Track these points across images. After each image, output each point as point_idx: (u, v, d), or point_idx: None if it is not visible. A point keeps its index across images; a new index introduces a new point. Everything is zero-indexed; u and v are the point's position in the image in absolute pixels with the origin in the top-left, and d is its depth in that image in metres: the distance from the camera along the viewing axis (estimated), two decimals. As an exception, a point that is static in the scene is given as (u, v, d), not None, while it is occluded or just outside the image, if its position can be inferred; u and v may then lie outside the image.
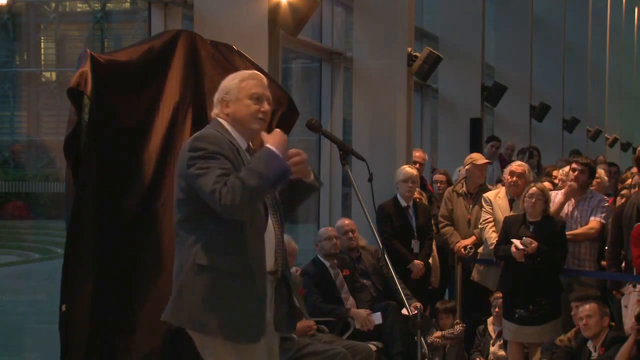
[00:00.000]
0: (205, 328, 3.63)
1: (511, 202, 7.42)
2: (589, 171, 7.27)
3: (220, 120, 3.77)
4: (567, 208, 7.22)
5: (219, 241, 3.62)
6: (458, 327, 7.31)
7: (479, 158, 8.12)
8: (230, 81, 3.78)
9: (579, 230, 7.07)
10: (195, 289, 3.61)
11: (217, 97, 3.80)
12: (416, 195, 7.72)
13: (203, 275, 3.61)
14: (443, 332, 7.30)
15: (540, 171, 10.97)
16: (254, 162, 3.58)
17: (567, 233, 6.92)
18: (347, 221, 7.26)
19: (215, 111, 3.80)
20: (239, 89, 3.75)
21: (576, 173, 7.20)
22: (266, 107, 3.77)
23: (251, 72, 3.89)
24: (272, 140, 3.60)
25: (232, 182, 3.48)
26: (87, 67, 4.12)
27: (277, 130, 3.68)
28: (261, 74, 3.94)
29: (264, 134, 3.68)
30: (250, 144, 3.84)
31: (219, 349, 3.65)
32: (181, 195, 3.68)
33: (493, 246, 7.16)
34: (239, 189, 3.47)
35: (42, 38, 10.89)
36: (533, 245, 6.56)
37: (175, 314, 3.69)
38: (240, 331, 3.64)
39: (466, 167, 8.14)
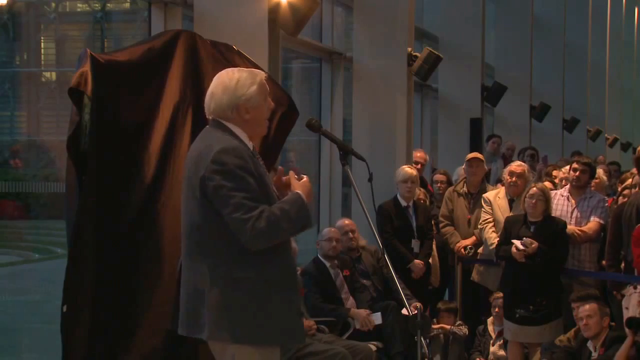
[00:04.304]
0: (251, 339, 3.59)
1: (511, 202, 7.43)
2: (590, 171, 7.28)
3: (229, 124, 3.70)
4: (567, 208, 7.22)
5: (253, 253, 3.58)
6: (463, 327, 7.32)
7: (470, 154, 8.17)
8: (249, 87, 3.69)
9: (577, 232, 7.06)
10: (237, 303, 3.57)
11: (232, 101, 3.68)
12: (421, 196, 7.73)
13: (244, 287, 3.58)
14: (451, 326, 7.29)
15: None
16: (289, 206, 3.59)
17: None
18: (347, 221, 7.25)
19: (227, 114, 3.69)
20: (259, 95, 3.71)
21: (577, 173, 7.20)
22: (271, 104, 3.82)
23: (261, 73, 3.81)
24: (303, 191, 3.66)
25: (269, 218, 3.50)
26: (87, 67, 4.11)
27: (306, 180, 3.72)
28: (262, 70, 3.91)
29: (294, 181, 3.72)
30: (253, 145, 3.82)
31: (243, 356, 3.62)
32: (200, 208, 3.60)
33: (493, 246, 7.16)
34: (274, 228, 3.51)
35: (42, 38, 10.88)
36: (533, 245, 6.57)
37: (215, 330, 3.60)
38: (290, 335, 3.71)
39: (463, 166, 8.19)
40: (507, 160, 11.38)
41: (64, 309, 4.10)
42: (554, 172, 9.18)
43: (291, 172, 3.77)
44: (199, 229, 3.64)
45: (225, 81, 3.72)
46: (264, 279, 3.61)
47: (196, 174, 3.61)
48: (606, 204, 7.30)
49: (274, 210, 3.54)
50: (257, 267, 3.59)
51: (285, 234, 3.61)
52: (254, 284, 3.59)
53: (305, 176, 3.76)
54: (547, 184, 8.03)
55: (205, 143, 3.67)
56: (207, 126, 3.79)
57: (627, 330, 6.04)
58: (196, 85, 4.67)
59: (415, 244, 7.41)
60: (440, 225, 7.99)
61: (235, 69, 3.81)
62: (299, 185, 3.70)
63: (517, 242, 6.63)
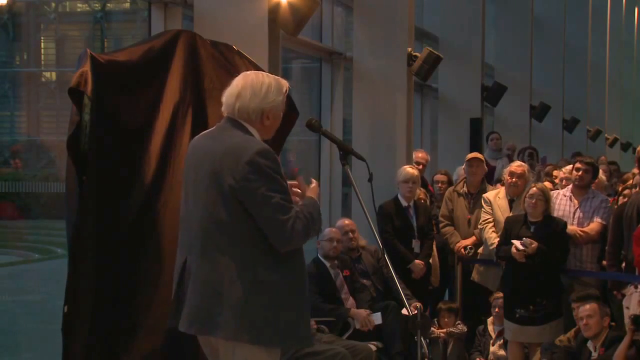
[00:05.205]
0: (269, 340, 3.63)
1: (511, 202, 7.43)
2: (593, 171, 7.27)
3: (248, 125, 3.74)
4: (570, 208, 7.22)
5: (275, 256, 3.62)
6: (461, 326, 7.33)
7: (470, 154, 8.18)
8: (277, 96, 3.76)
9: (578, 233, 7.06)
10: (259, 305, 3.59)
11: (258, 106, 3.73)
12: (421, 196, 7.72)
13: (267, 290, 3.60)
14: (449, 328, 7.30)
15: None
16: (312, 209, 3.70)
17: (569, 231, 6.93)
18: (347, 221, 7.25)
19: (251, 117, 3.73)
20: (282, 105, 3.80)
21: (580, 173, 7.20)
22: None
23: (285, 83, 3.86)
24: (315, 195, 3.79)
25: (302, 220, 3.61)
26: (87, 67, 4.11)
27: (316, 185, 3.84)
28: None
29: (304, 187, 3.82)
30: None
31: (255, 356, 3.64)
32: (227, 208, 3.60)
33: (493, 246, 7.16)
34: (306, 230, 3.63)
35: (42, 38, 10.89)
36: (533, 245, 6.57)
37: (234, 330, 3.59)
38: (301, 338, 3.77)
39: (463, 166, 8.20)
40: (511, 159, 11.38)
41: (65, 309, 4.10)
42: (554, 172, 9.19)
43: (300, 178, 3.84)
44: (223, 228, 3.62)
45: (256, 86, 3.75)
46: (286, 282, 3.64)
47: (222, 172, 3.61)
48: (608, 205, 7.29)
49: (304, 213, 3.64)
50: (279, 270, 3.63)
51: (309, 237, 3.69)
52: (277, 286, 3.62)
53: (314, 181, 3.84)
54: (547, 184, 8.04)
55: (230, 141, 3.67)
56: (222, 123, 3.79)
57: (627, 327, 6.04)
58: (196, 85, 4.67)
59: (415, 244, 7.41)
60: (440, 225, 7.99)
61: (264, 74, 3.86)
62: (312, 191, 3.80)
63: (517, 242, 6.63)
